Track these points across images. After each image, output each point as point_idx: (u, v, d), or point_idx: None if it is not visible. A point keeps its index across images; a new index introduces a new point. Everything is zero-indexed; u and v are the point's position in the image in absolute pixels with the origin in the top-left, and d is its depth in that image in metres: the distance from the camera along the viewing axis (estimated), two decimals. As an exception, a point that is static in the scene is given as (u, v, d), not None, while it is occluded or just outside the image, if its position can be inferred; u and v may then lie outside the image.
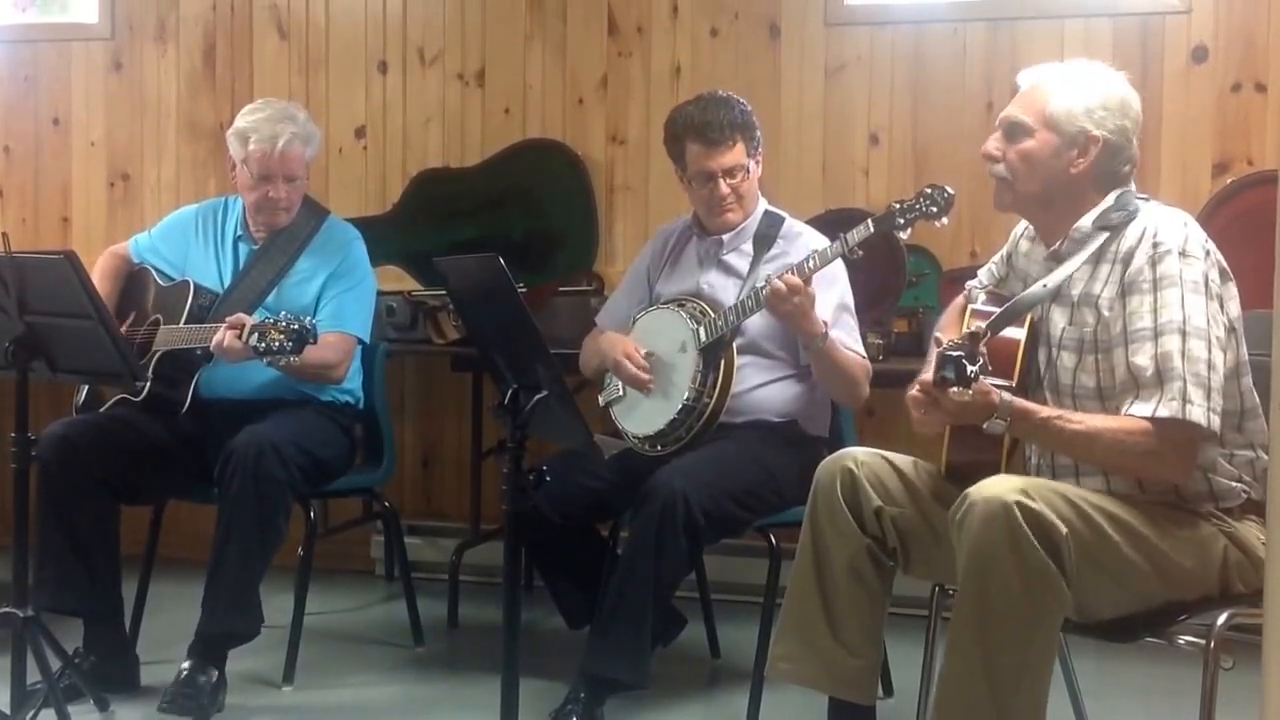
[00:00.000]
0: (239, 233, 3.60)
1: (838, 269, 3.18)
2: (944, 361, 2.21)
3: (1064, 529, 2.25)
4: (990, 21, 4.16)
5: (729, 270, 3.32)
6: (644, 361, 3.22)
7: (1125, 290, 2.40)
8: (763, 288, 3.05)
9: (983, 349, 2.24)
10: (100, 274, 3.64)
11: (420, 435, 4.66)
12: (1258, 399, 2.46)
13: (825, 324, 3.11)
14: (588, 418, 2.61)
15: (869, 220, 2.99)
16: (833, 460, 2.65)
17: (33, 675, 2.94)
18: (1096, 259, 2.47)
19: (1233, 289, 2.44)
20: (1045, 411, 2.40)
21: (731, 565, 3.98)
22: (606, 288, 4.18)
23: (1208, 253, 2.41)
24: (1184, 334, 2.33)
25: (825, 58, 4.29)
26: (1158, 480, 2.43)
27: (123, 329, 3.40)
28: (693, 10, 4.38)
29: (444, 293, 3.91)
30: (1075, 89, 2.49)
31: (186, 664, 3.18)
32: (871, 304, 3.66)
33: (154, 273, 3.62)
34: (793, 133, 4.30)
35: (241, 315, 3.21)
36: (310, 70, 4.68)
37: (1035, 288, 2.51)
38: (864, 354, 3.26)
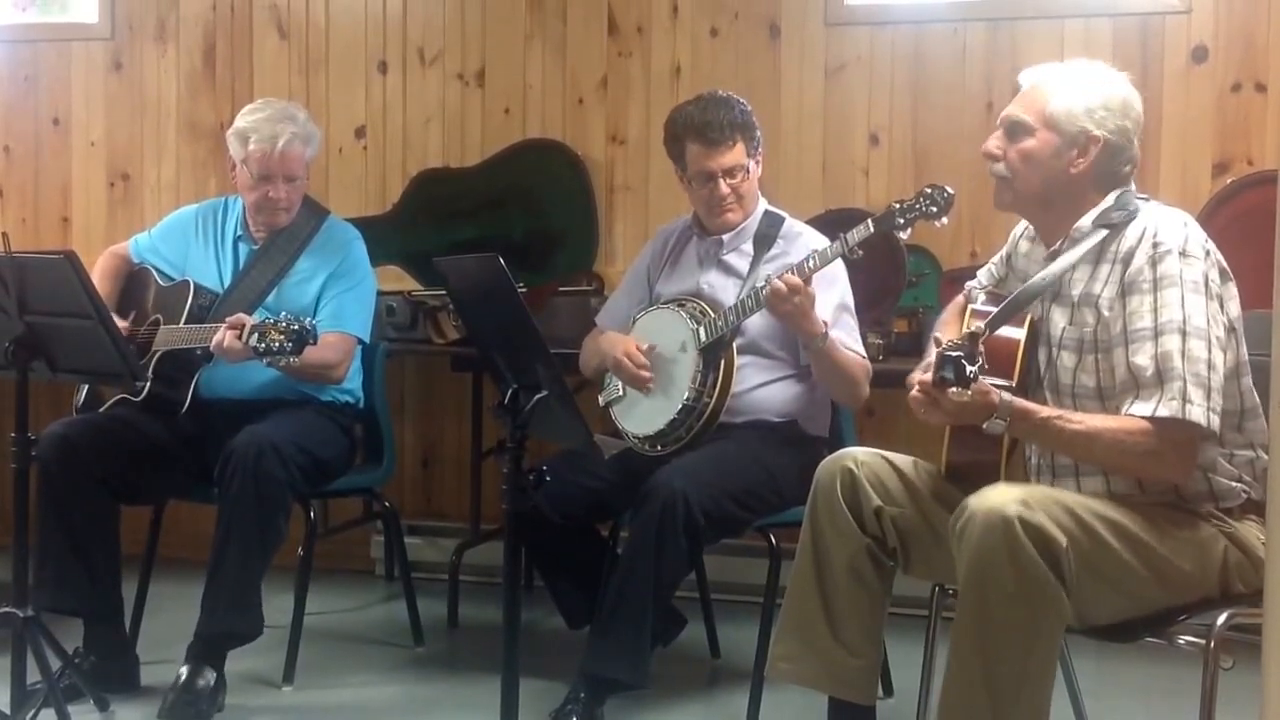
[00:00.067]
0: (239, 233, 3.60)
1: (838, 269, 3.18)
2: (943, 362, 2.21)
3: (1064, 540, 2.24)
4: (990, 21, 4.16)
5: (729, 270, 3.32)
6: (644, 359, 3.22)
7: (1125, 290, 2.40)
8: (763, 287, 3.05)
9: (982, 349, 2.24)
10: (100, 274, 3.64)
11: (420, 435, 4.66)
12: (1258, 399, 2.46)
13: (825, 324, 3.12)
14: (588, 418, 2.61)
15: (869, 220, 2.99)
16: (833, 460, 2.65)
17: (33, 675, 2.95)
18: (1096, 258, 2.47)
19: (1233, 289, 2.44)
20: (1045, 411, 2.40)
21: (731, 565, 3.98)
22: (606, 288, 4.18)
23: (1208, 253, 2.41)
24: (1184, 334, 2.33)
25: (825, 58, 4.29)
26: (1158, 480, 2.43)
27: (123, 329, 3.39)
28: (693, 10, 4.38)
29: (444, 293, 3.91)
30: (1076, 89, 2.49)
31: (184, 668, 3.18)
32: (871, 304, 3.66)
33: (154, 273, 3.63)
34: (793, 133, 4.30)
35: (241, 315, 3.21)
36: (310, 70, 4.68)
37: (1034, 281, 2.50)
38: (864, 354, 3.26)
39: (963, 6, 4.20)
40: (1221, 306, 2.40)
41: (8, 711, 2.93)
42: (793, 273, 3.02)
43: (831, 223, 3.48)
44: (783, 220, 3.35)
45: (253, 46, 4.73)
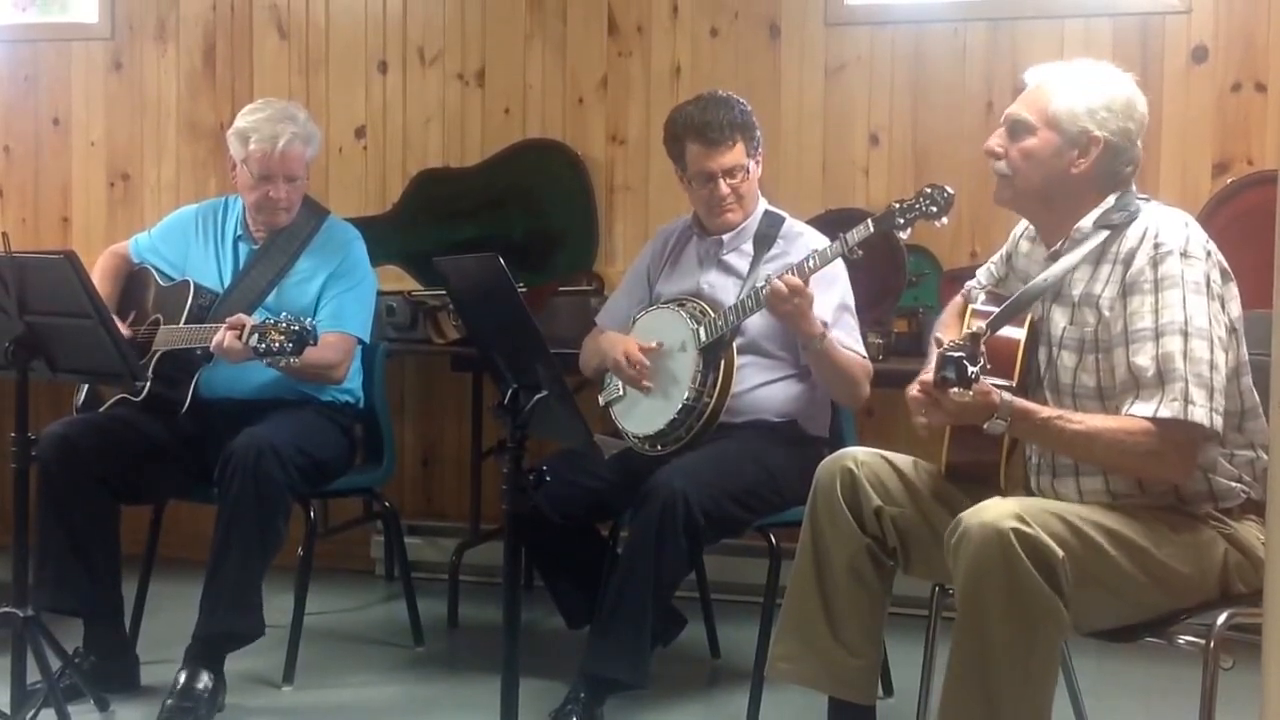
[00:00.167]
0: (239, 232, 3.60)
1: (838, 269, 3.18)
2: (945, 362, 2.21)
3: (1060, 553, 2.24)
4: (990, 21, 4.16)
5: (729, 270, 3.32)
6: (644, 359, 3.21)
7: (1126, 290, 2.40)
8: (763, 287, 3.05)
9: (983, 349, 2.24)
10: (100, 274, 3.64)
11: (420, 435, 4.66)
12: (1258, 399, 2.46)
13: (825, 324, 3.12)
14: (588, 418, 2.61)
15: (869, 220, 2.99)
16: (833, 460, 2.65)
17: (33, 675, 2.95)
18: (1097, 259, 2.47)
19: (1234, 289, 2.44)
20: (1046, 411, 2.40)
21: (731, 565, 3.98)
22: (606, 288, 4.18)
23: (1209, 253, 2.41)
24: (1186, 334, 2.33)
25: (825, 58, 4.29)
26: (1158, 480, 2.43)
27: (123, 329, 3.39)
28: (693, 10, 4.38)
29: (444, 293, 3.91)
30: (1079, 89, 2.48)
31: (182, 673, 3.17)
32: (871, 304, 3.66)
33: (154, 272, 3.62)
34: (793, 133, 4.30)
35: (241, 316, 3.21)
36: (310, 70, 4.68)
37: (1035, 281, 2.50)
38: (864, 354, 3.26)
39: (963, 6, 4.20)
40: (1223, 307, 2.40)
41: (8, 711, 2.93)
42: (792, 273, 3.02)
43: (831, 223, 3.48)
44: (783, 220, 3.35)
45: (253, 46, 4.73)
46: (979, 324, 2.41)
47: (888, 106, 4.26)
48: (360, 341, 3.56)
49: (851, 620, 2.59)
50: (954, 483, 2.56)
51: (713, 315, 3.18)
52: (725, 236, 3.34)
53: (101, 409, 3.49)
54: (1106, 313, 2.43)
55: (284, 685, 3.44)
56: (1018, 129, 2.53)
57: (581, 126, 4.48)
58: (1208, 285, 2.38)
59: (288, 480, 3.23)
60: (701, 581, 3.65)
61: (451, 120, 4.59)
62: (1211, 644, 2.33)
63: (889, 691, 3.28)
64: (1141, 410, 2.34)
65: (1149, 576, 2.35)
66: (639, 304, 3.44)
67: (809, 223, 3.46)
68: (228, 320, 3.19)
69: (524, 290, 3.48)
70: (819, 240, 3.20)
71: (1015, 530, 2.22)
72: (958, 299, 2.82)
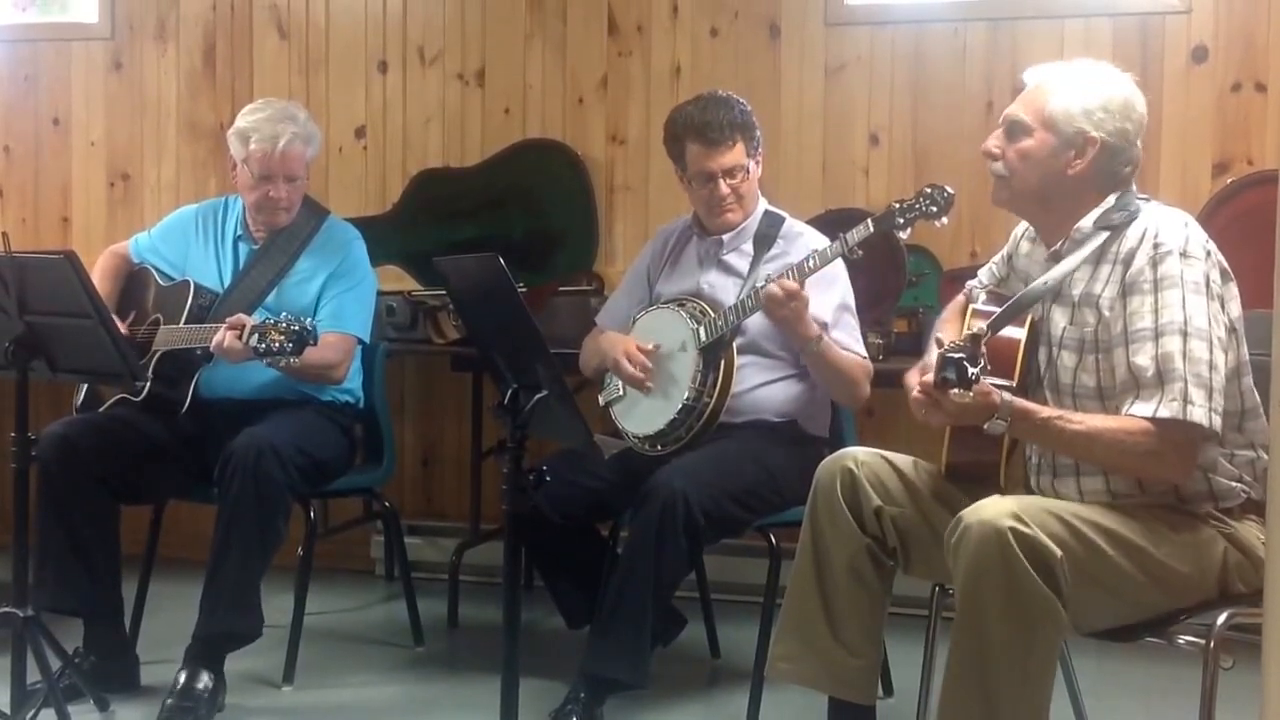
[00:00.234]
0: (239, 232, 3.60)
1: (838, 269, 3.18)
2: (945, 363, 2.21)
3: (1059, 552, 2.24)
4: (990, 21, 4.16)
5: (729, 270, 3.32)
6: (644, 359, 3.21)
7: (1126, 291, 2.40)
8: (762, 287, 3.05)
9: (984, 350, 2.24)
10: (100, 274, 3.64)
11: (420, 435, 4.66)
12: (1258, 399, 2.46)
13: (826, 325, 3.12)
14: (588, 418, 2.61)
15: (869, 220, 2.99)
16: (833, 460, 2.65)
17: (33, 675, 2.95)
18: (1097, 259, 2.47)
19: (1233, 289, 2.44)
20: (1046, 412, 2.40)
21: (731, 565, 3.98)
22: (606, 288, 4.18)
23: (1208, 253, 2.41)
24: (1185, 334, 2.33)
25: (825, 58, 4.29)
26: (1158, 480, 2.43)
27: (123, 329, 3.39)
28: (693, 10, 4.38)
29: (444, 293, 3.91)
30: (1076, 90, 2.48)
31: (182, 672, 3.17)
32: (871, 304, 3.66)
33: (154, 272, 3.62)
34: (793, 133, 4.30)
35: (241, 316, 3.21)
36: (310, 70, 4.68)
37: (1036, 283, 2.50)
38: (864, 354, 3.26)
39: (963, 6, 4.20)
40: (1222, 307, 2.40)
41: (8, 711, 2.93)
42: (791, 274, 3.03)
43: (831, 223, 3.48)
44: (783, 220, 3.35)
45: (253, 46, 4.73)
46: (979, 324, 2.42)
47: (888, 106, 4.26)
48: (360, 341, 3.56)
49: (851, 620, 2.59)
50: (954, 483, 2.56)
51: (713, 315, 3.18)
52: (725, 236, 3.34)
53: (101, 409, 3.48)
54: (1106, 313, 2.43)
55: (284, 685, 3.44)
56: (1015, 130, 2.53)
57: (581, 126, 4.48)
58: (1207, 285, 2.37)
59: (288, 480, 3.23)
60: (701, 581, 3.65)
61: (451, 120, 4.59)
62: (1211, 644, 2.33)
63: (889, 691, 3.28)
64: (1141, 410, 2.34)
65: (1147, 576, 2.35)
66: (639, 304, 3.44)
67: (809, 223, 3.46)
68: (228, 320, 3.19)
69: (524, 290, 3.48)
70: (819, 240, 3.20)
71: (1013, 530, 2.22)
72: (959, 298, 2.82)
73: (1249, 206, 3.75)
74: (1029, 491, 2.54)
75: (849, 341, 3.22)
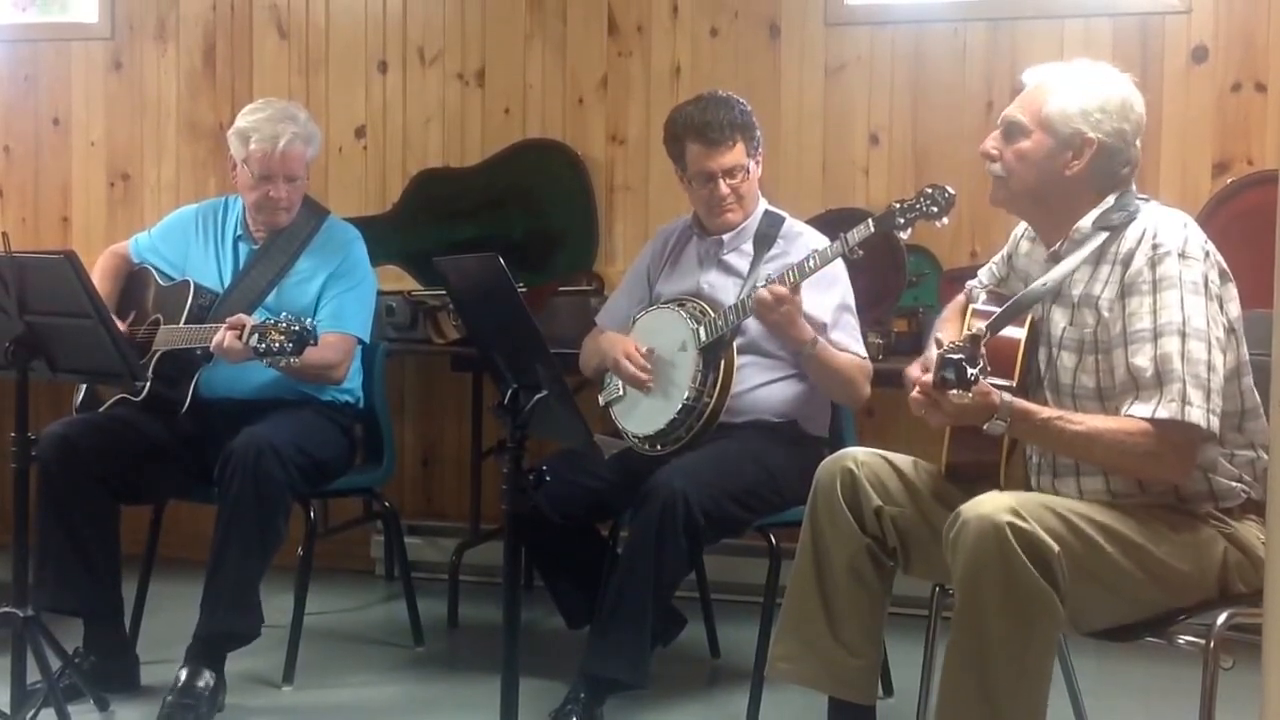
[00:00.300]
0: (239, 232, 3.60)
1: (838, 269, 3.18)
2: (944, 363, 2.21)
3: (1056, 547, 2.24)
4: (990, 21, 4.16)
5: (729, 270, 3.32)
6: (644, 361, 3.22)
7: (1125, 291, 2.40)
8: (762, 287, 3.05)
9: (983, 350, 2.24)
10: (100, 274, 3.64)
11: (420, 435, 4.66)
12: (1258, 399, 2.46)
13: (825, 325, 3.12)
14: (588, 418, 2.61)
15: (869, 220, 2.99)
16: (833, 460, 2.65)
17: (33, 675, 2.94)
18: (1097, 259, 2.47)
19: (1232, 290, 2.44)
20: (1045, 412, 2.40)
21: (731, 565, 3.98)
22: (606, 288, 4.18)
23: (1207, 254, 2.41)
24: (1183, 335, 2.33)
25: (825, 58, 4.29)
26: (1157, 481, 2.43)
27: (123, 329, 3.39)
28: (693, 10, 4.38)
29: (444, 293, 3.91)
30: (1073, 91, 2.48)
31: (183, 670, 3.17)
32: (871, 304, 3.66)
33: (154, 272, 3.62)
34: (793, 133, 4.30)
35: (242, 316, 3.21)
36: (310, 70, 4.68)
37: (1035, 285, 2.50)
38: (864, 354, 3.26)
39: (963, 6, 4.20)
40: (1221, 307, 2.40)
41: (8, 711, 2.93)
42: (791, 273, 3.03)
43: (831, 223, 3.48)
44: (783, 220, 3.35)
45: (253, 46, 4.73)
46: (979, 325, 2.42)
47: (888, 106, 4.26)
48: (360, 341, 3.57)
49: (851, 620, 2.59)
50: (954, 483, 2.56)
51: (713, 315, 3.18)
52: (725, 236, 3.34)
53: (101, 409, 3.48)
54: (1106, 313, 2.43)
55: (284, 685, 3.44)
56: (1012, 131, 2.53)
57: (581, 126, 4.48)
58: (1206, 286, 2.38)
59: (288, 479, 3.23)
60: (701, 581, 3.65)
61: (451, 120, 4.59)
62: (1211, 644, 2.33)
63: (889, 691, 3.28)
64: (1140, 411, 2.34)
65: (1146, 573, 2.35)
66: (639, 304, 3.44)
67: (809, 223, 3.46)
68: (228, 320, 3.19)
69: (524, 290, 3.48)
70: (819, 240, 3.20)
71: (1011, 525, 2.23)
72: (959, 298, 2.82)
73: (1249, 206, 3.75)
74: (1029, 491, 2.54)
75: (848, 342, 3.22)
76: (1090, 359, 2.46)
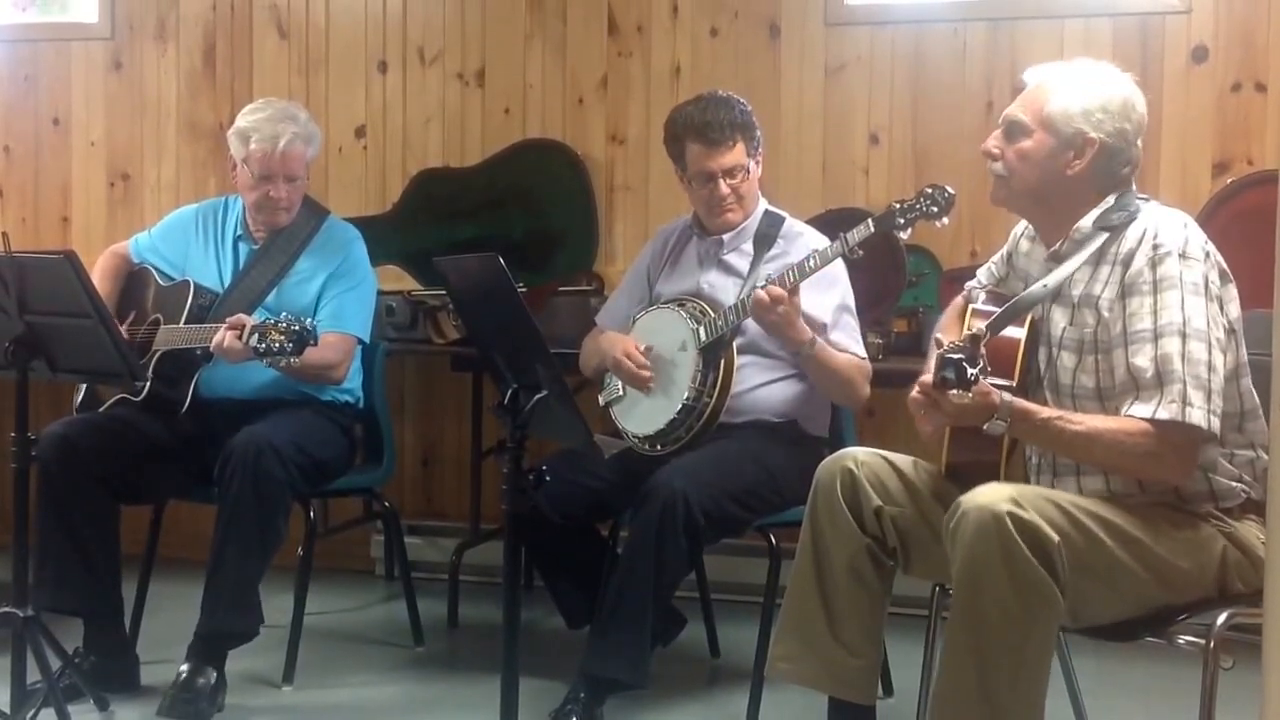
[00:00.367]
0: (239, 232, 3.60)
1: (838, 269, 3.18)
2: (944, 364, 2.21)
3: (1056, 538, 2.25)
4: (990, 21, 4.16)
5: (729, 270, 3.32)
6: (644, 359, 3.22)
7: (1125, 292, 2.40)
8: (762, 287, 3.05)
9: (983, 351, 2.24)
10: (100, 273, 3.64)
11: (420, 435, 4.66)
12: (1258, 399, 2.46)
13: (825, 325, 3.12)
14: (588, 418, 2.61)
15: (869, 220, 2.99)
16: (833, 460, 2.65)
17: (33, 675, 2.94)
18: (1097, 260, 2.47)
19: (1233, 290, 2.44)
20: (1045, 412, 2.40)
21: (731, 565, 3.98)
22: (606, 288, 4.18)
23: (1208, 254, 2.41)
24: (1184, 336, 2.33)
25: (825, 58, 4.29)
26: (1157, 481, 2.43)
27: (123, 329, 3.40)
28: (693, 10, 4.38)
29: (444, 293, 3.91)
30: (1075, 90, 2.48)
31: (184, 667, 3.18)
32: (871, 304, 3.66)
33: (154, 272, 3.62)
34: (793, 133, 4.30)
35: (242, 316, 3.21)
36: (310, 70, 4.68)
37: (1035, 287, 2.51)
38: (864, 355, 3.26)
39: (963, 6, 4.20)
40: (1221, 308, 2.40)
41: (8, 711, 2.93)
42: (791, 273, 3.03)
43: (831, 223, 3.48)
44: (783, 220, 3.35)
45: (253, 46, 4.73)
46: (979, 325, 2.42)
47: (888, 106, 4.26)
48: (360, 341, 3.57)
49: (851, 620, 2.59)
50: (954, 483, 2.56)
51: (713, 315, 3.18)
52: (725, 236, 3.34)
53: (101, 409, 3.48)
54: (1106, 314, 2.43)
55: (284, 685, 3.43)
56: (1014, 130, 2.53)
57: (581, 126, 4.48)
58: (1206, 286, 2.38)
59: (288, 479, 3.23)
60: (701, 581, 3.65)
61: (451, 120, 4.59)
62: (1211, 644, 2.33)
63: (889, 691, 3.28)
64: (1140, 411, 2.34)
65: (1146, 569, 2.35)
66: (639, 304, 3.44)
67: (809, 223, 3.46)
68: (228, 320, 3.19)
69: (524, 290, 3.48)
70: (819, 240, 3.20)
71: (1011, 514, 2.23)
72: (959, 299, 2.82)
73: (1249, 206, 3.75)
74: (1029, 490, 2.55)
75: (848, 342, 3.22)
76: (1090, 359, 2.46)
